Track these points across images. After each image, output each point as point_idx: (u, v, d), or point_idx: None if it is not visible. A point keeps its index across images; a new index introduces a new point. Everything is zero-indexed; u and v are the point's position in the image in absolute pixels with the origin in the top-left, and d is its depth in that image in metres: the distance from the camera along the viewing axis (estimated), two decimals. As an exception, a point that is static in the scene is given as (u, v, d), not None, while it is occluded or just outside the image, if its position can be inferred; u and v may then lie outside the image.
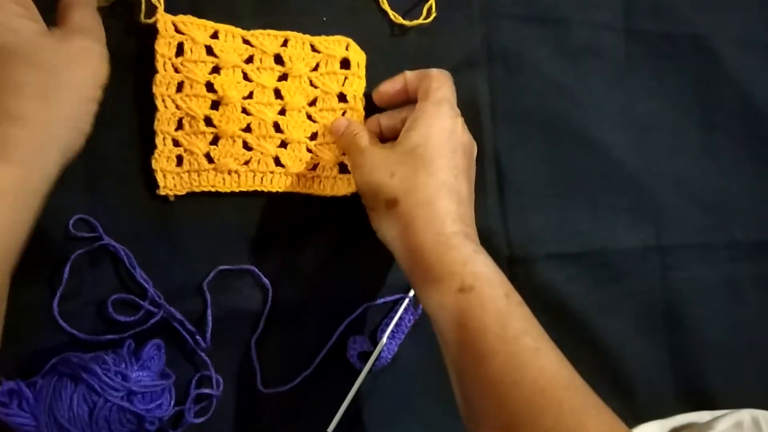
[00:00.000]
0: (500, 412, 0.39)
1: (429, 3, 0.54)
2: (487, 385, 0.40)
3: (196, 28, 0.48)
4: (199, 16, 0.49)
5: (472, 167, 0.48)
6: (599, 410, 0.40)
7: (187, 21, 0.48)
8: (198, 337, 0.48)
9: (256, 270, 0.50)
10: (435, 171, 0.44)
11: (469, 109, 0.56)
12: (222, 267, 0.50)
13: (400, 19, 0.54)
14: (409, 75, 0.50)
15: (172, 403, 0.46)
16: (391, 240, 0.45)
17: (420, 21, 0.54)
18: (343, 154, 0.52)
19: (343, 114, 0.52)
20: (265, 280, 0.51)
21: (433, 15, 0.54)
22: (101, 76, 0.39)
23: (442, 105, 0.47)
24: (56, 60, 0.37)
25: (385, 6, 0.54)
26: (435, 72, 0.49)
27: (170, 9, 0.48)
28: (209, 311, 0.49)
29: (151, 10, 0.48)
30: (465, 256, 0.42)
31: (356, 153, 0.48)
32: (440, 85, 0.48)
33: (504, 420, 0.39)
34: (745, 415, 0.57)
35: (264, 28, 0.50)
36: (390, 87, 0.51)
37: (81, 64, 0.38)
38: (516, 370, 0.39)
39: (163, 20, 0.48)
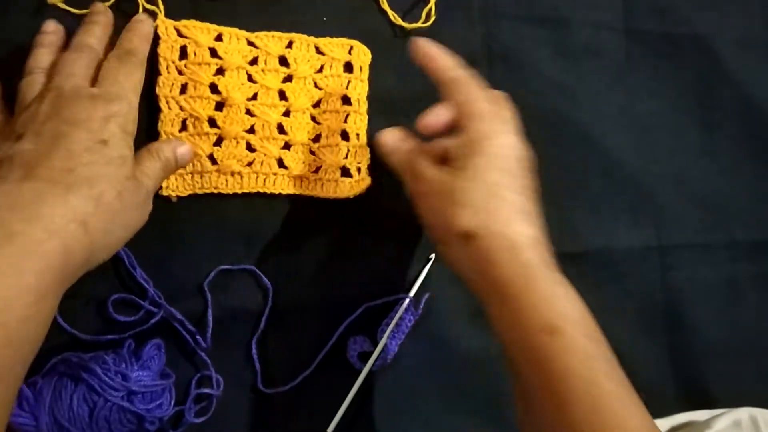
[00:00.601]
0: None
1: (428, 6, 0.54)
2: (567, 430, 0.38)
3: (199, 32, 0.48)
4: (199, 15, 0.49)
5: (532, 179, 0.44)
6: None
7: (189, 25, 0.48)
8: (198, 337, 0.48)
9: (257, 270, 0.50)
10: (507, 195, 0.41)
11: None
12: (223, 267, 0.50)
13: (399, 21, 0.54)
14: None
15: (173, 402, 0.46)
16: (468, 274, 0.43)
17: (419, 24, 0.54)
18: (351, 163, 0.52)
19: (346, 117, 0.52)
20: (266, 280, 0.51)
21: (432, 18, 0.54)
22: (143, 222, 0.42)
23: (495, 120, 0.43)
24: (127, 202, 0.40)
25: (385, 6, 0.54)
26: (465, 85, 0.44)
27: (171, 7, 0.48)
28: (210, 311, 0.49)
29: (152, 14, 0.48)
30: (549, 293, 0.40)
31: (416, 179, 0.44)
32: (476, 97, 0.44)
33: None
34: (744, 413, 0.57)
35: (264, 27, 0.50)
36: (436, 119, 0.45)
37: (139, 211, 0.41)
38: (597, 415, 0.37)
39: (164, 26, 0.48)
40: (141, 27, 0.46)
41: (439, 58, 0.45)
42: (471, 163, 0.42)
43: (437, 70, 0.45)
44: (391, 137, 0.47)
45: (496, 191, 0.41)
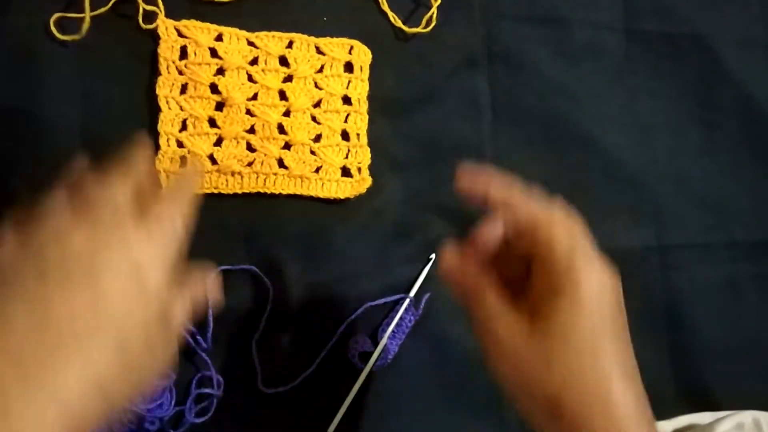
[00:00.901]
0: None
1: (430, 12, 0.54)
2: None
3: (200, 32, 0.49)
4: (199, 15, 0.49)
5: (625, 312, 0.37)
6: None
7: (189, 25, 0.48)
8: (198, 337, 0.48)
9: (257, 270, 0.50)
10: (604, 347, 0.34)
11: (469, 109, 0.56)
12: (223, 267, 0.50)
13: (399, 23, 0.54)
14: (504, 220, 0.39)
15: (173, 403, 0.46)
16: None
17: (420, 29, 0.54)
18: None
19: (347, 117, 0.52)
20: (266, 280, 0.51)
21: (433, 24, 0.54)
22: (167, 365, 0.34)
23: (576, 248, 0.36)
24: (153, 344, 0.33)
25: (385, 7, 0.54)
26: (527, 207, 0.37)
27: (171, 7, 0.48)
28: (210, 311, 0.49)
29: (153, 15, 0.48)
30: None
31: (487, 321, 0.36)
32: (545, 221, 0.36)
33: None
34: (747, 416, 0.57)
35: (264, 27, 0.50)
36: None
37: (164, 351, 0.34)
38: None
39: (164, 26, 0.48)
40: (193, 175, 0.43)
41: (489, 183, 0.39)
42: (557, 312, 0.34)
43: (489, 198, 0.38)
44: (454, 263, 0.38)
45: (591, 345, 0.34)
